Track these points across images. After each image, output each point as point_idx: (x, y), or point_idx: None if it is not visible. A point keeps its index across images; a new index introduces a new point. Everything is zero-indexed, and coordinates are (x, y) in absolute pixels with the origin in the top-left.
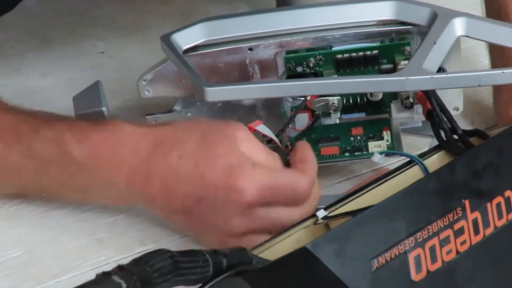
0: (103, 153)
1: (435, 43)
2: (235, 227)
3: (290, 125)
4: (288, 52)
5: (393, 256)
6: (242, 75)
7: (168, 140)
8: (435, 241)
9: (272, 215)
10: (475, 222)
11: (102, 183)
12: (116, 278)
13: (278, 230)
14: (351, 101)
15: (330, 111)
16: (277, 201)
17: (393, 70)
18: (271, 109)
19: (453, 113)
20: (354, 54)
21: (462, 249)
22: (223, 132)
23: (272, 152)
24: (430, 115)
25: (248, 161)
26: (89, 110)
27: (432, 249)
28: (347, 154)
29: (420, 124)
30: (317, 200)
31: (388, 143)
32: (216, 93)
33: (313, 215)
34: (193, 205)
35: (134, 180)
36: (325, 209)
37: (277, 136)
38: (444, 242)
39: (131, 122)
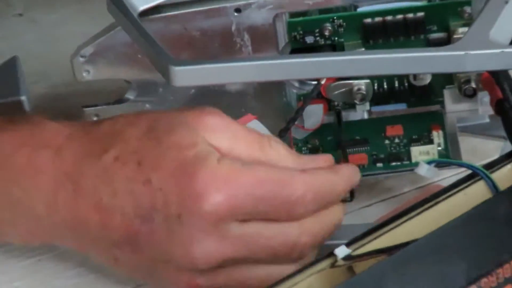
0: (15, 164)
1: (507, 2)
2: (200, 257)
3: (296, 122)
4: (292, 15)
5: None
6: (226, 48)
7: (102, 139)
8: None
9: (258, 233)
10: None
11: (12, 207)
12: None
13: (270, 257)
14: (385, 87)
15: (355, 102)
16: (258, 212)
17: (446, 42)
18: (268, 98)
19: None
20: (389, 18)
21: None
22: (180, 119)
23: (280, 148)
24: (500, 107)
25: (211, 152)
26: (1, 101)
27: None
28: (379, 164)
29: (487, 120)
30: (336, 225)
31: (440, 148)
32: (187, 75)
33: (330, 254)
34: (139, 228)
35: (57, 199)
36: (348, 245)
37: (279, 137)
38: None
39: (58, 121)
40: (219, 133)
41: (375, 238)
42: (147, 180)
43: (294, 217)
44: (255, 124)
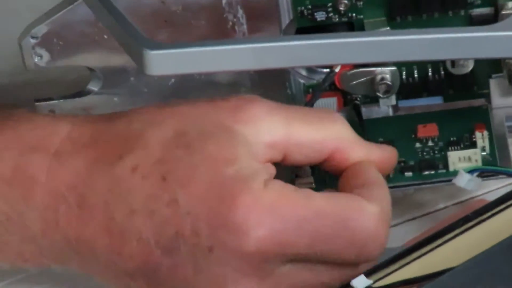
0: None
1: None
2: None
3: None
4: None
5: None
6: (215, 27)
7: (115, 141)
8: None
9: (314, 277)
10: None
11: None
12: None
13: None
14: (415, 76)
15: (378, 94)
16: (315, 253)
17: (493, 19)
18: (268, 90)
19: None
20: None
21: None
22: (215, 117)
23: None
24: None
25: (255, 172)
26: None
27: None
28: (408, 173)
29: None
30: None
31: (484, 153)
32: (165, 61)
33: (347, 286)
34: (159, 260)
35: (56, 216)
36: (368, 274)
37: None
38: None
39: (50, 114)
40: (269, 120)
41: (402, 266)
42: (173, 201)
43: (365, 260)
44: None
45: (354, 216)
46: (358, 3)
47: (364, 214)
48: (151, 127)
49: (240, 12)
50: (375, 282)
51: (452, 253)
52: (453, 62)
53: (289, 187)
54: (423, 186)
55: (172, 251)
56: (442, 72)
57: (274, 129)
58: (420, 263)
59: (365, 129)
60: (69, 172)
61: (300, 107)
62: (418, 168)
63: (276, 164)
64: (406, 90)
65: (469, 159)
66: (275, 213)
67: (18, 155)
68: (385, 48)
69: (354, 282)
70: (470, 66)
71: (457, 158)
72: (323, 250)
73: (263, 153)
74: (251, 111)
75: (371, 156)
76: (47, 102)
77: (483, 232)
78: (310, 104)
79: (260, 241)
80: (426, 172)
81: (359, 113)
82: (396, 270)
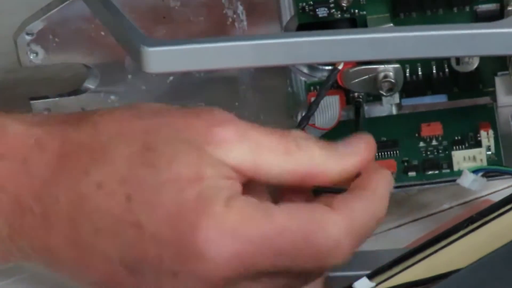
0: None
1: None
2: None
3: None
4: None
5: None
6: (214, 23)
7: (81, 151)
8: None
9: None
10: None
11: None
12: None
13: None
14: (419, 74)
15: (381, 93)
16: (279, 268)
17: (499, 15)
18: (268, 88)
19: None
20: None
21: None
22: (184, 134)
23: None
24: None
25: (218, 191)
26: None
27: None
28: (412, 173)
29: None
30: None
31: (489, 152)
32: (164, 59)
33: None
34: (124, 279)
35: (22, 224)
36: (370, 276)
37: None
38: None
39: (20, 117)
40: (238, 146)
41: (405, 268)
42: (137, 223)
43: (329, 268)
44: None
45: (315, 229)
46: None
47: (325, 226)
48: (118, 140)
49: (240, 8)
50: (378, 284)
51: (457, 255)
52: (458, 60)
53: (251, 205)
54: (427, 186)
55: (137, 272)
56: (447, 70)
57: (242, 155)
58: (424, 265)
59: (361, 128)
60: (36, 181)
61: (273, 131)
62: (421, 168)
63: None
64: (409, 88)
65: (474, 158)
66: (237, 236)
67: None
68: (388, 45)
69: (356, 285)
70: (475, 63)
71: (461, 158)
72: (286, 265)
73: (229, 175)
74: (222, 133)
75: (347, 169)
76: (43, 100)
77: (488, 233)
78: (316, 102)
79: (224, 266)
80: (430, 172)
81: (357, 112)
82: (399, 272)
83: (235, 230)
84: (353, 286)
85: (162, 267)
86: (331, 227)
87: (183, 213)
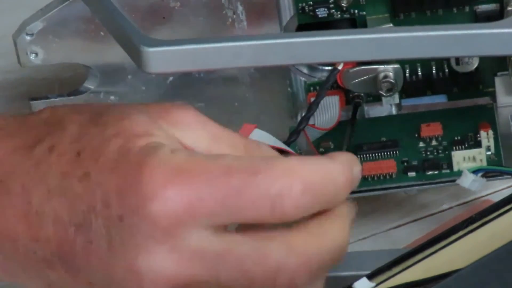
0: None
1: None
2: (147, 275)
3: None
4: None
5: None
6: (214, 24)
7: (38, 128)
8: None
9: (228, 249)
10: None
11: None
12: None
13: (244, 285)
14: (419, 74)
15: (381, 93)
16: (239, 212)
17: (499, 16)
18: (268, 88)
19: None
20: None
21: None
22: (140, 108)
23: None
24: None
25: (167, 143)
26: None
27: None
28: (412, 173)
29: None
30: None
31: (489, 152)
32: (164, 59)
33: None
34: (73, 238)
35: None
36: (370, 277)
37: (288, 143)
38: None
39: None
40: (194, 130)
41: (405, 269)
42: (86, 175)
43: (279, 218)
44: (258, 135)
45: (264, 169)
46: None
47: (275, 168)
48: (74, 113)
49: (240, 9)
50: (377, 284)
51: (456, 255)
52: (458, 60)
53: (198, 153)
54: (427, 186)
55: (85, 227)
56: (446, 70)
57: (197, 139)
58: (424, 265)
59: (354, 129)
60: None
61: (235, 133)
62: (421, 168)
63: None
64: (409, 88)
65: (474, 159)
66: (182, 174)
67: None
68: (388, 45)
69: (356, 285)
70: (475, 63)
71: (461, 158)
72: (235, 207)
73: (177, 147)
74: (181, 116)
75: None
76: (43, 100)
77: (488, 234)
78: (316, 102)
79: (167, 202)
80: (430, 172)
81: (354, 113)
82: (399, 272)
83: (180, 169)
84: (353, 286)
85: (109, 213)
86: (280, 167)
87: (128, 158)
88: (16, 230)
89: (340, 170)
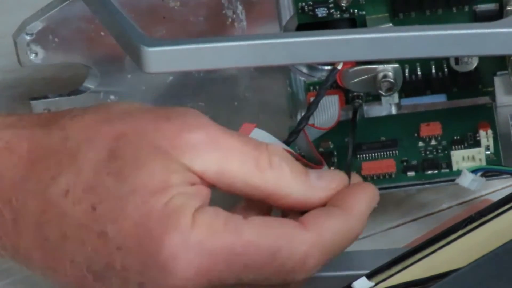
0: None
1: None
2: None
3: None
4: None
5: None
6: (214, 23)
7: (49, 156)
8: None
9: None
10: None
11: None
12: None
13: None
14: (418, 73)
15: (380, 92)
16: (244, 282)
17: (498, 15)
18: (268, 88)
19: None
20: None
21: None
22: (152, 140)
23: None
24: None
25: (184, 203)
26: None
27: None
28: (411, 173)
29: None
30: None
31: (488, 152)
32: (163, 59)
33: None
34: (91, 284)
35: None
36: (369, 276)
37: (288, 142)
38: None
39: None
40: (205, 153)
41: (404, 268)
42: (103, 233)
43: (292, 282)
44: (258, 134)
45: (283, 246)
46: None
47: (292, 243)
48: (86, 146)
49: (240, 8)
50: (377, 284)
51: (456, 255)
52: (457, 59)
53: (219, 219)
54: (426, 186)
55: (104, 280)
56: (446, 70)
57: (207, 162)
58: (423, 264)
59: (355, 130)
60: (5, 184)
61: (248, 141)
62: (421, 167)
63: None
64: (409, 88)
65: (473, 158)
66: (203, 252)
67: None
68: (387, 45)
69: (355, 284)
70: (474, 63)
71: (460, 157)
72: (251, 278)
73: (194, 180)
74: (190, 139)
75: (312, 201)
76: (43, 100)
77: (487, 233)
78: (316, 102)
79: (188, 281)
80: (429, 172)
81: (354, 113)
82: (398, 271)
83: (201, 245)
84: (352, 285)
85: (128, 277)
86: (298, 244)
87: (148, 226)
88: (31, 254)
89: (357, 226)
